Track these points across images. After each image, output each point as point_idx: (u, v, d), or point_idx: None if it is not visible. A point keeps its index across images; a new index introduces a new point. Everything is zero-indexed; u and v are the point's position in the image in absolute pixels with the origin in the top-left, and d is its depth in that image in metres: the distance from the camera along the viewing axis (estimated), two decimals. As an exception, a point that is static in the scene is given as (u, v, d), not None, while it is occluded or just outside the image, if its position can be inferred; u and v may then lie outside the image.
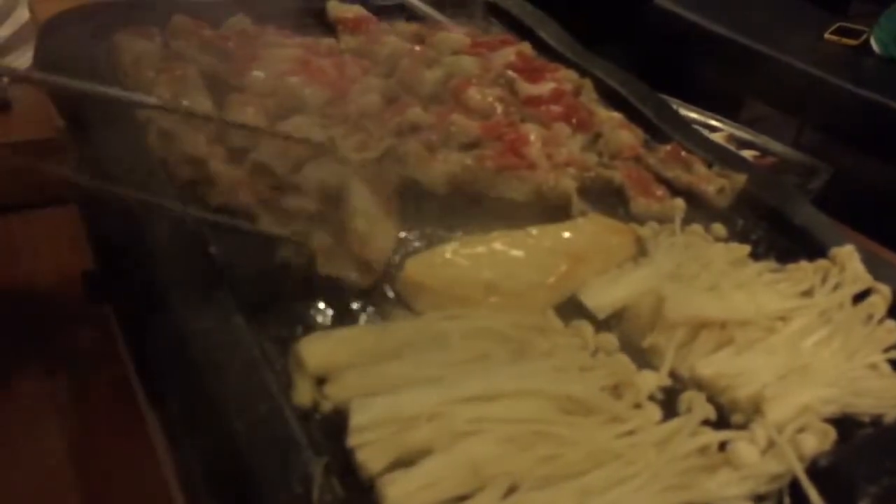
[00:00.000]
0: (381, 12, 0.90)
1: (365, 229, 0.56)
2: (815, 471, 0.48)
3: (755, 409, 0.51)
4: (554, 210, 0.67)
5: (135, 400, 0.60)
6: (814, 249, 0.66)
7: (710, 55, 1.63)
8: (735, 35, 1.57)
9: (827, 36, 1.58)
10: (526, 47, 0.87)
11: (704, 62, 1.65)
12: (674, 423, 0.49)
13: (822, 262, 0.64)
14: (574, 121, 0.77)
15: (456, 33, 0.86)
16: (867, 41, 1.53)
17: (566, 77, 0.83)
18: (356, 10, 0.87)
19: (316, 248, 0.55)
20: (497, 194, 0.67)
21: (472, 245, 0.59)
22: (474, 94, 0.77)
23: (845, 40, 1.56)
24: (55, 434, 0.61)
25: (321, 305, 0.54)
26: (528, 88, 0.81)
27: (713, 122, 1.18)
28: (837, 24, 1.59)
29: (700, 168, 0.75)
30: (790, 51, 1.50)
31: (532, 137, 0.72)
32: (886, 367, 0.57)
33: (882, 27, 1.50)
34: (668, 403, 0.51)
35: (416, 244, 0.61)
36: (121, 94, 0.60)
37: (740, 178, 0.73)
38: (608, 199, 0.71)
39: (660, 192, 0.72)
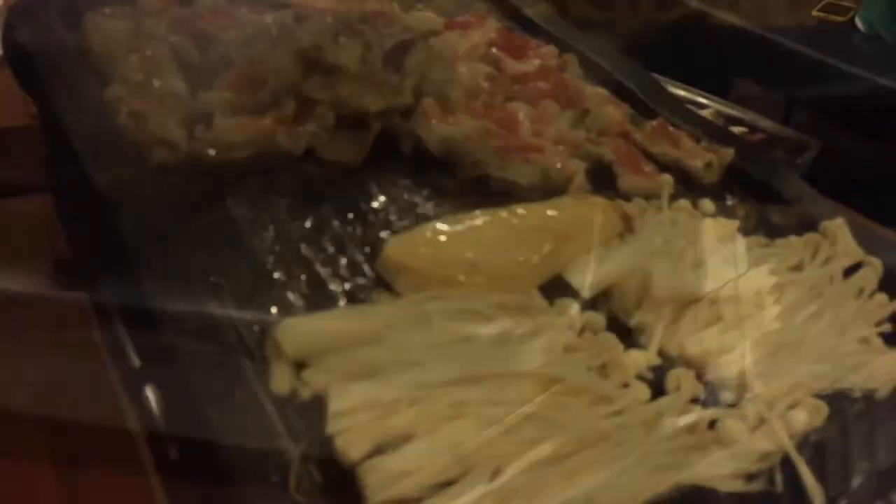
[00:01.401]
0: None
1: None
2: (807, 448, 0.47)
3: (745, 386, 0.50)
4: (546, 190, 0.65)
5: (110, 387, 0.58)
6: (803, 224, 0.65)
7: (697, 32, 1.61)
8: (721, 12, 1.55)
9: (814, 13, 1.57)
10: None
11: (692, 40, 1.63)
12: (662, 402, 0.48)
13: (811, 236, 0.63)
14: (562, 98, 0.76)
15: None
16: (854, 18, 1.53)
17: (550, 53, 0.82)
18: None
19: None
20: (503, 176, 0.65)
21: (454, 224, 0.57)
22: (464, 71, 0.75)
23: (832, 17, 1.55)
24: (30, 424, 0.59)
25: (299, 289, 0.53)
26: (514, 66, 0.79)
27: (701, 100, 1.16)
28: (825, 1, 1.58)
29: (687, 143, 0.73)
30: (777, 27, 1.49)
31: (521, 116, 0.71)
32: (878, 342, 0.55)
33: (865, 7, 1.50)
34: (657, 382, 0.50)
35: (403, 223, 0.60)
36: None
37: (728, 153, 0.72)
38: (595, 175, 0.69)
39: (648, 168, 0.70)
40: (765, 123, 1.11)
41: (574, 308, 0.53)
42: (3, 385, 0.59)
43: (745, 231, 0.64)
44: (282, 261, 0.55)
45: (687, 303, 0.54)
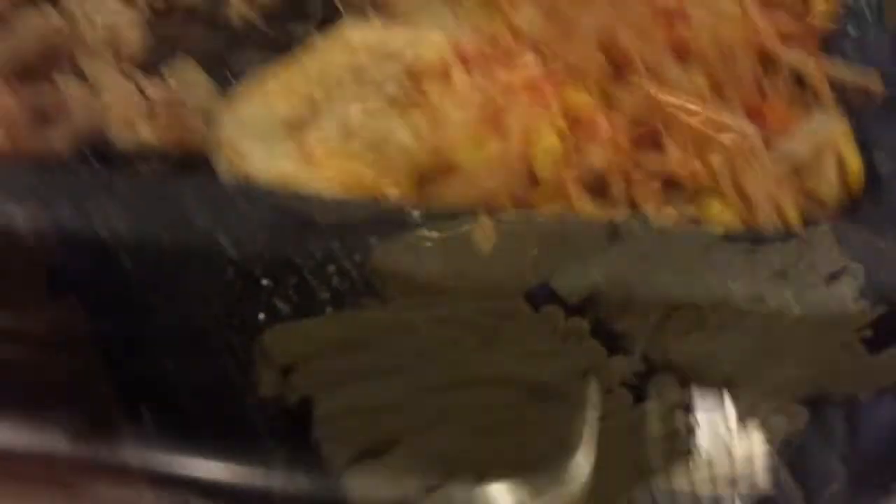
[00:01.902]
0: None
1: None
2: (788, 452, 0.48)
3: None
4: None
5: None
6: (788, 230, 0.65)
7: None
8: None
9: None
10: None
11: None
12: (645, 408, 0.49)
13: (796, 243, 0.63)
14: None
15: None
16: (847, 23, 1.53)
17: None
18: None
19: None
20: None
21: (441, 230, 0.58)
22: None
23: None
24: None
25: (287, 295, 0.53)
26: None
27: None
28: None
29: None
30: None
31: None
32: (860, 347, 0.56)
33: (859, 8, 1.51)
34: (641, 388, 0.51)
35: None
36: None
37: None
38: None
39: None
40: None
41: (559, 314, 0.53)
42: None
43: (730, 238, 0.65)
44: (269, 267, 0.55)
45: (671, 308, 0.55)
